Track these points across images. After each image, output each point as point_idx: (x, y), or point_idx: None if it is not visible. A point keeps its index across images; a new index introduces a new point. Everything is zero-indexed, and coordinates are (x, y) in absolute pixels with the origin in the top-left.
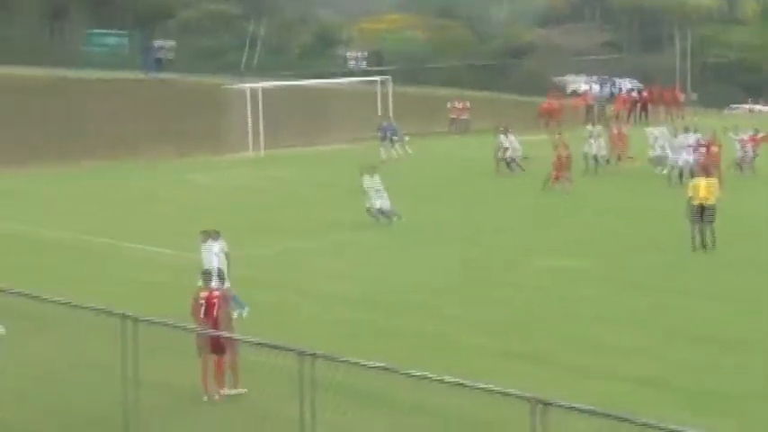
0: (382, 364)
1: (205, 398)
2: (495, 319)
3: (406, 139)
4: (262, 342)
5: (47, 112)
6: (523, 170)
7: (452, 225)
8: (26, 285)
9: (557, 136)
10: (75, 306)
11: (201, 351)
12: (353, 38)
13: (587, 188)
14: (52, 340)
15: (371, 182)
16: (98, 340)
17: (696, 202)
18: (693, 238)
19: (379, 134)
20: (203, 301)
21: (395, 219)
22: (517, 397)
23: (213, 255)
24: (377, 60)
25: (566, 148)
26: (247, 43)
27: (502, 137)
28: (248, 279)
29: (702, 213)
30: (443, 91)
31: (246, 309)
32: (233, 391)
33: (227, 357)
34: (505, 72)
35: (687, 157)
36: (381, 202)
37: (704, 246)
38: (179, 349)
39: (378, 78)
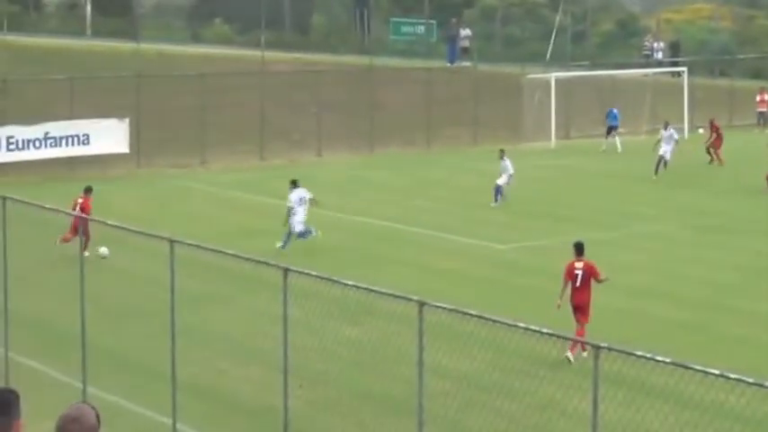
0: (671, 360)
1: (570, 356)
2: None
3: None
4: (554, 333)
5: (351, 100)
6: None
7: (742, 217)
8: (320, 266)
9: None
10: (369, 290)
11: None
12: (654, 28)
13: None
14: (349, 323)
15: (507, 168)
16: (392, 324)
17: None
18: None
19: (608, 121)
20: (579, 271)
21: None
22: None
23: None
24: (675, 51)
25: None
26: (554, 33)
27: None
28: (542, 269)
29: None
30: (746, 83)
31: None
32: (585, 354)
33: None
34: None
35: None
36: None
37: None
38: (465, 336)
39: (677, 69)
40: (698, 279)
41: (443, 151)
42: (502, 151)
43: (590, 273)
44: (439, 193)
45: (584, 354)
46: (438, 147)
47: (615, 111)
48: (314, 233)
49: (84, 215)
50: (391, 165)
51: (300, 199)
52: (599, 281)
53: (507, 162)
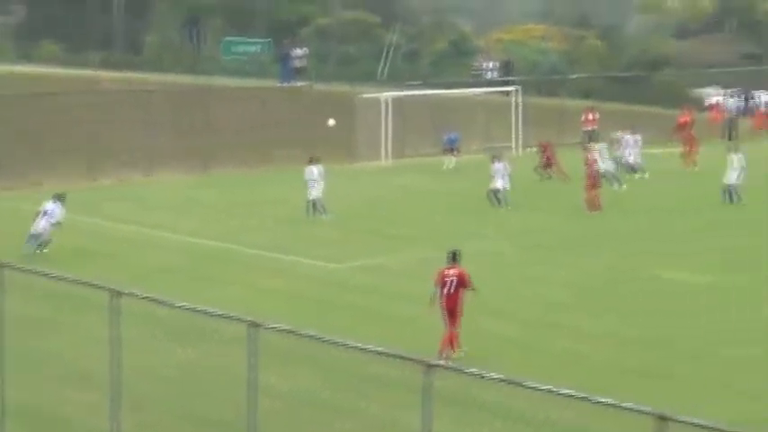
0: (502, 377)
1: (441, 361)
2: (624, 334)
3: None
4: (385, 351)
5: (183, 120)
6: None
7: (573, 236)
8: (151, 287)
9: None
10: (201, 311)
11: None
12: (487, 47)
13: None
14: (179, 344)
15: (312, 174)
16: (222, 345)
17: None
18: None
19: (445, 145)
20: (451, 278)
21: (323, 214)
22: (638, 412)
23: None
24: (508, 70)
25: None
26: (388, 52)
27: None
28: (374, 288)
29: None
30: (576, 102)
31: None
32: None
33: (458, 328)
34: (640, 84)
35: None
36: (316, 192)
37: None
38: (296, 356)
39: (508, 88)
40: (529, 297)
41: (277, 171)
42: (312, 159)
43: (461, 280)
44: (273, 213)
45: (455, 354)
46: (272, 166)
47: (453, 136)
48: (36, 247)
49: None
50: (225, 184)
51: (50, 211)
52: (468, 288)
53: (315, 169)
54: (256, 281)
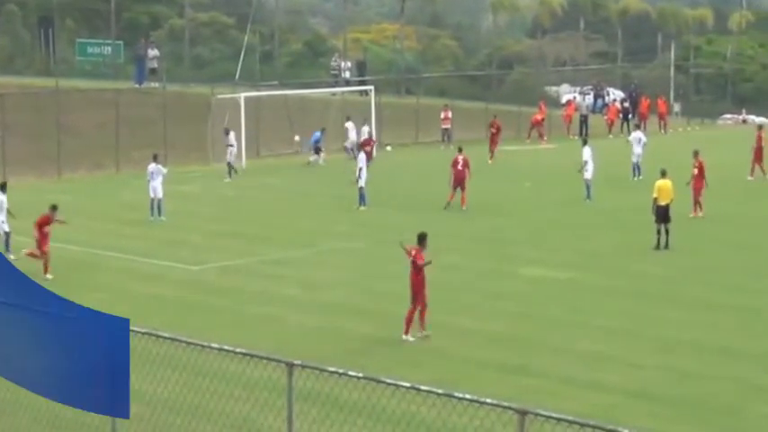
0: (363, 375)
1: (411, 338)
2: (485, 329)
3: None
4: (248, 352)
5: (37, 123)
6: None
7: (431, 234)
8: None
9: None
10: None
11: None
12: (342, 47)
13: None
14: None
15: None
16: None
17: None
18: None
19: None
20: (411, 260)
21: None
22: (499, 407)
23: None
24: (362, 70)
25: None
26: (242, 52)
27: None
28: (235, 289)
29: (666, 213)
30: (431, 101)
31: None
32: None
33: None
34: (493, 82)
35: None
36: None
37: (666, 246)
38: (159, 359)
39: (364, 88)
40: (389, 293)
41: (133, 174)
42: (155, 156)
43: (415, 259)
44: (130, 216)
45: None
46: (128, 169)
47: (317, 134)
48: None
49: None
50: (80, 189)
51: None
52: (423, 264)
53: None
54: (120, 285)
